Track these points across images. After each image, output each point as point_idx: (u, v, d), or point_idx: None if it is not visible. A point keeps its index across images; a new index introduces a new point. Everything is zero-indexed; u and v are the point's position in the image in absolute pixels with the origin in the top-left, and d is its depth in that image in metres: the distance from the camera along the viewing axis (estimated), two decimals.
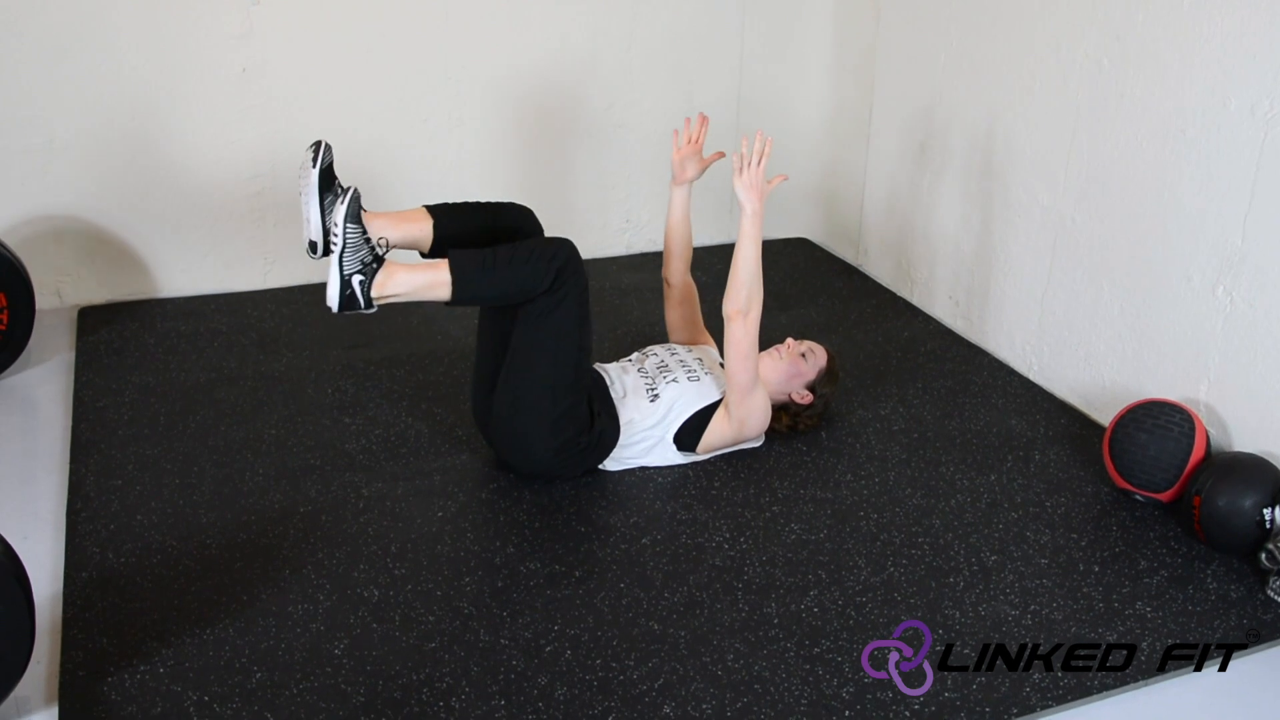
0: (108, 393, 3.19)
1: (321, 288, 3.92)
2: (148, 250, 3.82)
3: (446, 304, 2.62)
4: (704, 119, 3.10)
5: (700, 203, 4.50)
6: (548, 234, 2.91)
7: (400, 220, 2.75)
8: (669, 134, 4.33)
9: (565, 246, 2.63)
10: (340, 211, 2.47)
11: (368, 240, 2.53)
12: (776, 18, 4.36)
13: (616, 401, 2.84)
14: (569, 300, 2.63)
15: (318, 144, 2.64)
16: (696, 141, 3.08)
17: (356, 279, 2.51)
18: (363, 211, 2.56)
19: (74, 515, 2.63)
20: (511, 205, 2.89)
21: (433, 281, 2.57)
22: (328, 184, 2.63)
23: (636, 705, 2.12)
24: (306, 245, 2.65)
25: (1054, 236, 3.35)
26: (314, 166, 2.60)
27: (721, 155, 3.12)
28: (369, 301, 2.54)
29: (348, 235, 2.48)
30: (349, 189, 2.51)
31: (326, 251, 2.65)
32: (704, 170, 3.10)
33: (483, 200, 2.91)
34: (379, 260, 2.55)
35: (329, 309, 2.53)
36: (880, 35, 4.11)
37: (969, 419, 3.24)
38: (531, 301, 2.63)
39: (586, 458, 2.80)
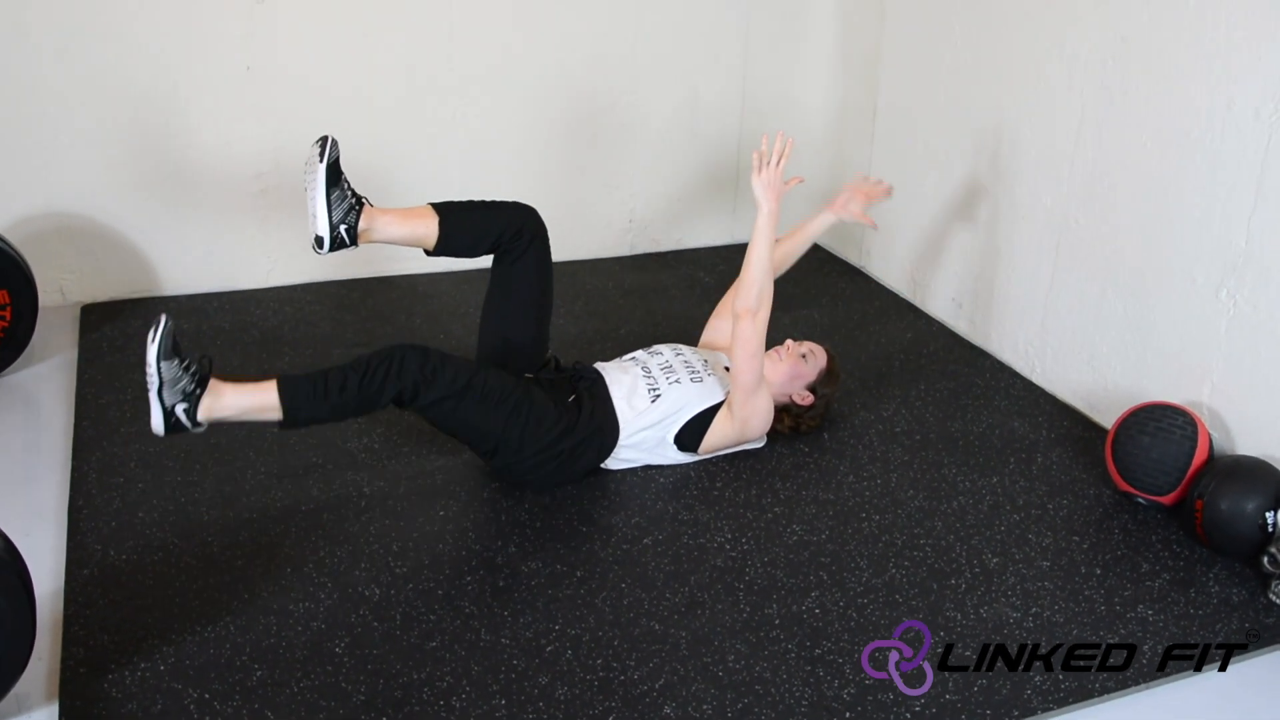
0: (110, 390, 3.19)
1: (327, 286, 3.96)
2: (151, 248, 3.82)
3: (279, 427, 2.56)
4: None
5: (704, 203, 4.51)
6: (550, 232, 2.92)
7: (406, 217, 2.76)
8: (672, 133, 4.34)
9: (401, 359, 2.55)
10: (151, 351, 2.40)
11: (187, 368, 2.45)
12: (781, 17, 4.36)
13: (616, 401, 2.83)
14: (439, 400, 2.58)
15: (324, 138, 2.64)
16: (871, 194, 3.27)
17: (180, 408, 2.45)
18: (176, 344, 2.46)
19: (75, 512, 2.63)
20: (516, 205, 2.90)
21: (262, 405, 2.51)
22: (334, 179, 2.63)
23: (637, 705, 2.12)
24: (313, 240, 2.66)
25: (1057, 238, 3.35)
26: (320, 161, 2.61)
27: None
28: (195, 424, 2.48)
29: (163, 373, 2.41)
30: (158, 321, 2.42)
31: (334, 246, 2.66)
32: (859, 209, 3.26)
33: (488, 199, 2.91)
34: (201, 384, 2.47)
35: (155, 434, 2.47)
36: (885, 35, 4.10)
37: (971, 421, 3.23)
38: (425, 407, 2.59)
39: (580, 460, 2.79)
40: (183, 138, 3.72)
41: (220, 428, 2.99)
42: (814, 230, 3.29)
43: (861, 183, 3.32)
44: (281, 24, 3.69)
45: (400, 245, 2.80)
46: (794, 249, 3.30)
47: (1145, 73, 2.99)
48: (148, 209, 3.77)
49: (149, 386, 2.43)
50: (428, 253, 2.82)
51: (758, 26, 4.33)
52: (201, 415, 2.47)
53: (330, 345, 3.54)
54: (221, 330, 3.62)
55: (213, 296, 3.87)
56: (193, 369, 2.46)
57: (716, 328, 3.21)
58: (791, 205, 4.29)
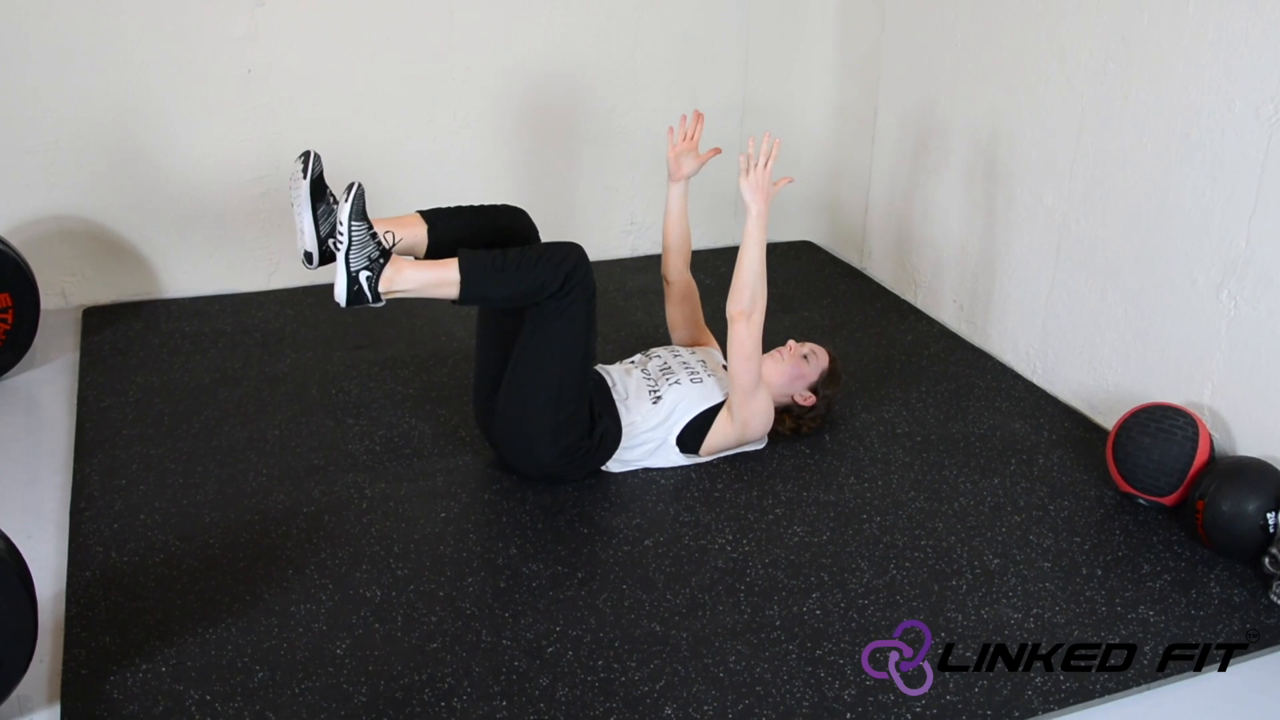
0: (112, 393, 3.20)
1: (327, 289, 3.95)
2: (152, 251, 3.83)
3: (453, 302, 2.62)
4: (699, 116, 3.09)
5: (703, 205, 4.51)
6: (548, 237, 2.92)
7: (394, 226, 2.75)
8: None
9: (575, 251, 2.63)
10: (345, 209, 2.47)
11: (374, 236, 2.53)
12: (781, 20, 4.36)
13: (618, 403, 2.84)
14: (576, 305, 2.63)
15: (307, 154, 2.64)
16: (692, 138, 3.07)
17: (364, 275, 2.51)
18: (365, 210, 2.55)
19: (78, 514, 2.64)
20: (505, 207, 2.89)
21: (441, 279, 2.57)
22: (319, 194, 2.64)
23: (638, 707, 2.12)
24: (302, 256, 2.66)
25: (1058, 239, 3.35)
26: (304, 177, 2.61)
27: (718, 151, 3.09)
28: (376, 296, 2.54)
29: (353, 233, 2.48)
30: (353, 185, 2.51)
31: (322, 261, 2.67)
32: (701, 166, 3.08)
33: (476, 204, 2.91)
34: (386, 255, 2.55)
35: (337, 304, 2.54)
36: (885, 37, 4.11)
37: (972, 422, 3.23)
38: (539, 305, 2.63)
39: (588, 460, 2.81)
40: (184, 140, 3.73)
41: (226, 425, 3.01)
42: (677, 207, 3.11)
43: (680, 144, 3.08)
44: (282, 27, 3.70)
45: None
46: (681, 230, 3.13)
47: (1145, 74, 2.99)
48: (149, 212, 3.77)
49: (338, 248, 2.48)
50: (418, 259, 2.78)
51: (757, 29, 4.34)
52: (383, 286, 2.52)
53: (332, 347, 3.54)
54: (223, 333, 3.62)
55: (214, 299, 3.88)
56: (378, 239, 2.52)
57: (681, 331, 3.24)
58: (782, 206, 4.31)
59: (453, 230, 2.80)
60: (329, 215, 2.66)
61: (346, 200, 2.48)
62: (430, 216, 2.78)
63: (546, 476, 2.80)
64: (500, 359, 2.78)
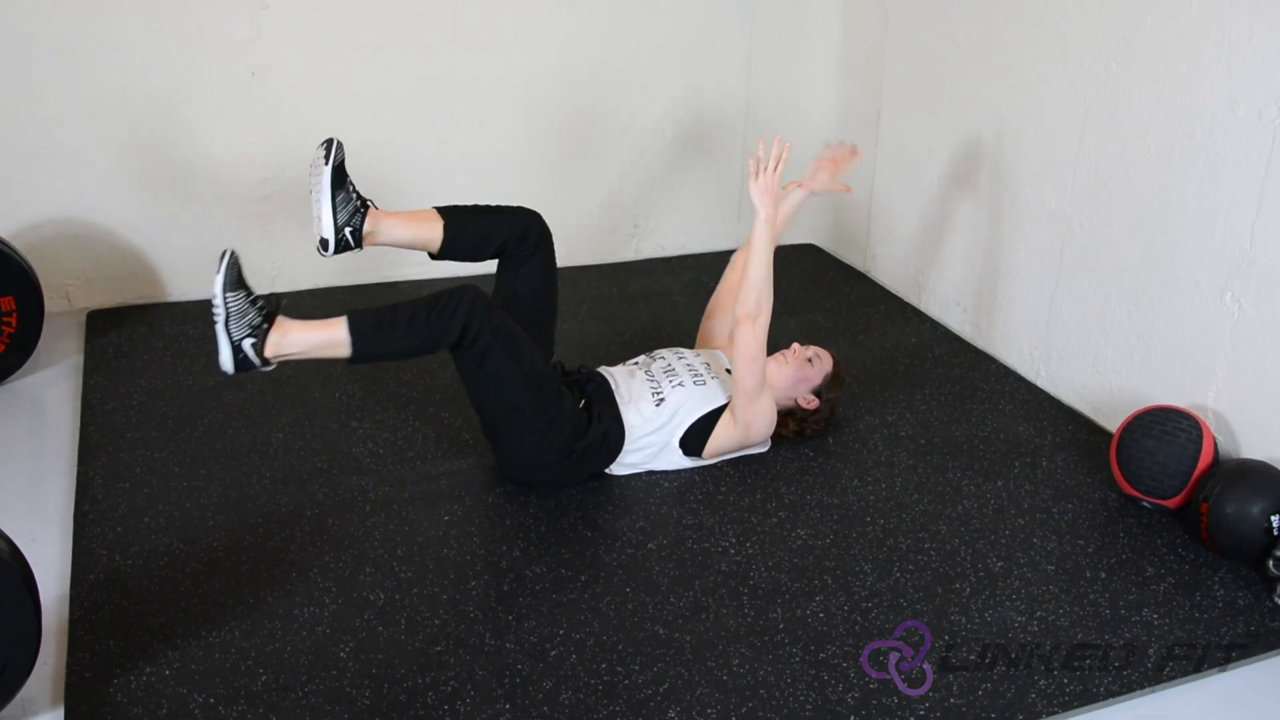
0: (116, 396, 3.20)
1: (331, 291, 3.97)
2: (156, 254, 3.83)
3: (348, 362, 2.58)
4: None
5: (707, 208, 4.51)
6: (555, 239, 2.92)
7: (412, 220, 2.77)
8: (676, 138, 4.34)
9: (466, 297, 2.56)
10: (218, 281, 2.42)
11: (253, 302, 2.48)
12: (784, 22, 4.36)
13: (621, 405, 2.84)
14: (488, 345, 2.58)
15: (329, 141, 2.65)
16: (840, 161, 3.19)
17: (248, 343, 2.46)
18: (241, 277, 2.49)
19: (81, 517, 2.64)
20: (521, 209, 2.90)
21: (330, 340, 2.53)
22: (340, 181, 2.64)
23: (641, 710, 2.12)
24: (318, 242, 2.67)
25: (1061, 241, 3.34)
26: (326, 164, 2.62)
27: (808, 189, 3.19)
28: (264, 361, 2.50)
29: (229, 304, 2.43)
30: (225, 253, 2.46)
31: (338, 249, 2.67)
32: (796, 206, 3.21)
33: (492, 204, 2.92)
34: (269, 319, 2.49)
35: (224, 371, 2.49)
36: (888, 39, 4.11)
37: (976, 425, 3.23)
38: (456, 358, 2.62)
39: (587, 462, 2.80)
40: (187, 144, 3.73)
41: (230, 428, 3.02)
42: (787, 212, 3.18)
43: (826, 150, 3.25)
44: (285, 29, 3.71)
45: (405, 248, 2.81)
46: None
47: (1148, 75, 2.98)
48: (153, 215, 3.78)
49: (215, 319, 2.44)
50: (432, 256, 2.83)
51: (760, 31, 4.34)
52: (269, 351, 2.48)
53: None
54: None
55: None
56: (259, 304, 2.48)
57: (709, 328, 3.21)
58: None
59: (467, 231, 2.81)
60: (347, 203, 2.66)
61: (219, 271, 2.42)
62: (447, 214, 2.79)
63: (551, 481, 2.80)
64: None
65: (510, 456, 2.78)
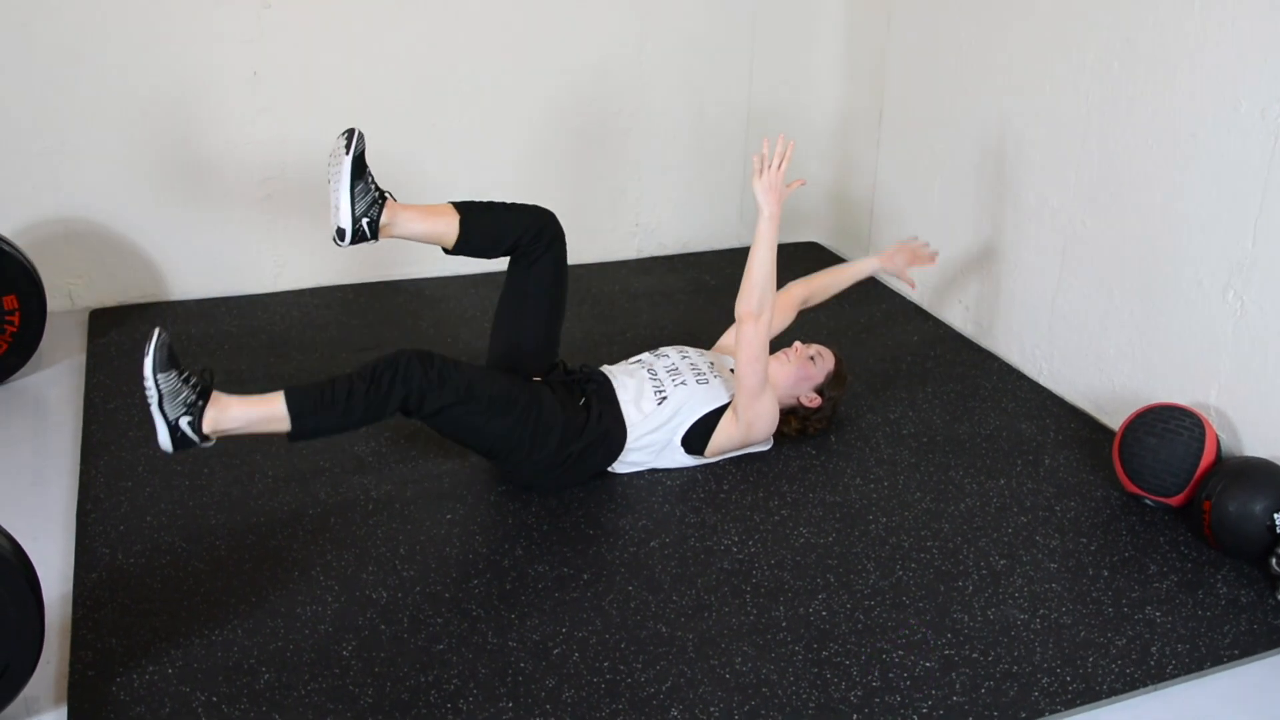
0: (118, 394, 3.20)
1: (333, 290, 3.97)
2: (159, 252, 3.83)
3: (289, 438, 2.52)
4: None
5: (706, 205, 4.51)
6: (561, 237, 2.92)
7: (428, 214, 2.76)
8: (679, 137, 4.34)
9: (408, 364, 2.53)
10: (148, 364, 2.35)
11: (186, 380, 2.41)
12: (788, 21, 4.36)
13: (622, 403, 2.84)
14: (443, 406, 2.55)
15: (350, 131, 2.64)
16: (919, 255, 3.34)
17: (184, 421, 2.39)
18: (173, 356, 2.42)
19: (84, 516, 2.64)
20: (536, 208, 2.89)
21: (269, 416, 2.47)
22: (359, 172, 2.63)
23: (644, 708, 2.12)
24: (334, 232, 2.66)
25: (1064, 240, 3.34)
26: (346, 153, 2.61)
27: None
28: (204, 438, 2.44)
29: (161, 386, 2.36)
30: (154, 333, 2.38)
31: (354, 239, 2.66)
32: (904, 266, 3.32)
33: (508, 201, 2.91)
34: (204, 395, 2.43)
35: (164, 452, 2.43)
36: (891, 39, 4.10)
37: (978, 423, 3.23)
38: (421, 416, 2.59)
39: (588, 462, 2.80)
40: (190, 142, 3.73)
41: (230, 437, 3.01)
42: (856, 273, 3.36)
43: (911, 242, 3.37)
44: (288, 28, 3.71)
45: (420, 242, 2.80)
46: (832, 284, 3.34)
47: (1151, 75, 2.98)
48: (156, 214, 3.78)
49: (149, 402, 2.37)
50: (446, 251, 2.82)
51: (764, 31, 4.34)
52: (207, 428, 2.42)
53: (338, 349, 3.54)
54: (229, 335, 3.63)
55: (220, 301, 3.88)
56: (192, 380, 2.42)
57: (731, 333, 3.21)
58: (788, 207, 4.29)
59: (483, 227, 2.80)
60: (366, 194, 2.65)
61: (147, 354, 2.35)
62: (463, 209, 2.79)
63: (555, 483, 2.80)
64: (508, 359, 2.81)
65: (507, 470, 2.79)
